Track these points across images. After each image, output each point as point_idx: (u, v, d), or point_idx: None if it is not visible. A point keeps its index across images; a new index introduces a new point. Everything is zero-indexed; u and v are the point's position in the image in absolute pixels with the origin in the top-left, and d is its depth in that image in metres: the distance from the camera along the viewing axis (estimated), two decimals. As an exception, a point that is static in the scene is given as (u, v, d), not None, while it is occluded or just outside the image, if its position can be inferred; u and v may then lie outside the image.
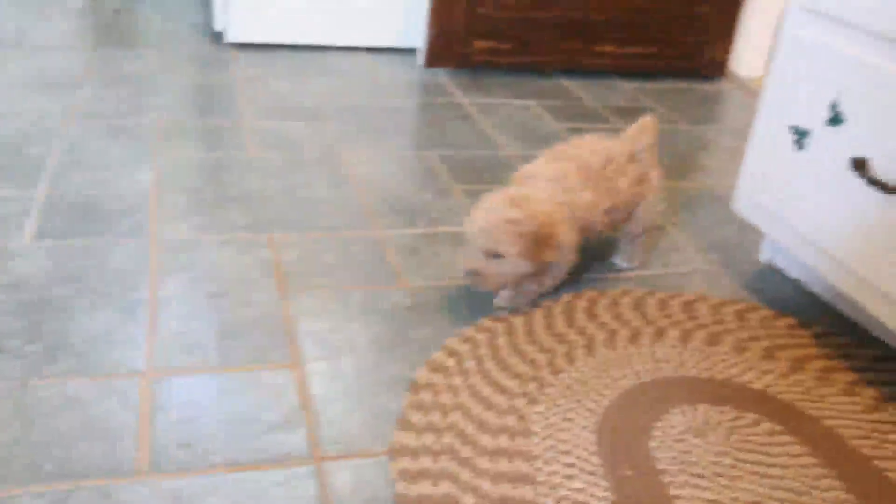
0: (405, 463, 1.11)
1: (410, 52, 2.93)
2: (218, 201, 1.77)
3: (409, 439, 1.16)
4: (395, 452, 1.14)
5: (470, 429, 1.19)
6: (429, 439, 1.16)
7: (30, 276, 1.44)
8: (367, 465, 1.12)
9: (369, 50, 2.93)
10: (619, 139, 1.58)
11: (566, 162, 1.48)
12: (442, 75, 2.77)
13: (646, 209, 1.60)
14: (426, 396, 1.25)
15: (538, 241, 1.36)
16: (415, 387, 1.27)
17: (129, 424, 1.14)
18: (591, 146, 1.52)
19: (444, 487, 1.08)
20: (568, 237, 1.44)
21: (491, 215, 1.37)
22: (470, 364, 1.33)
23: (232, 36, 2.82)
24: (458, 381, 1.29)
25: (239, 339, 1.34)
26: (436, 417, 1.21)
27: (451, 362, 1.33)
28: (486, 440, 1.17)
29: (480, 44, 2.76)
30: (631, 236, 1.63)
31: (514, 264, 1.38)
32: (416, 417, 1.20)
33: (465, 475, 1.10)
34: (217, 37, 2.90)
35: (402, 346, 1.37)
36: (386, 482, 1.09)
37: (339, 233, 1.69)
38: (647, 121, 1.59)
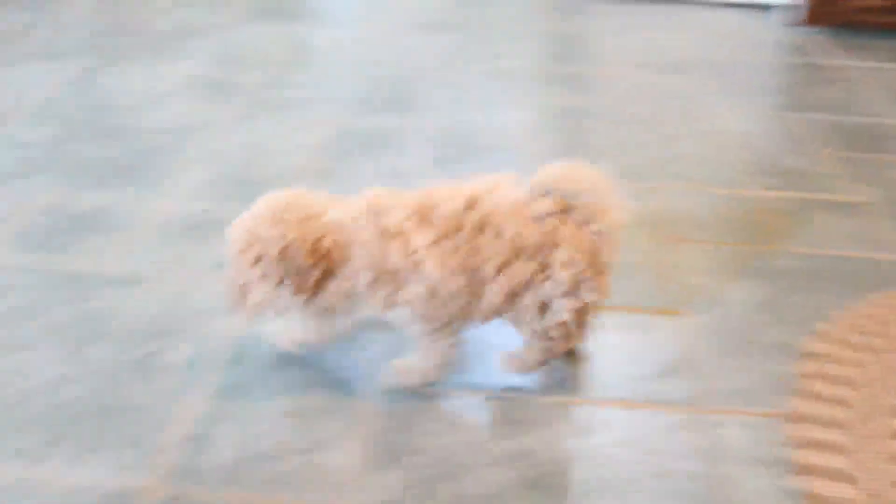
0: (803, 430, 1.09)
1: (769, 9, 2.77)
2: (583, 147, 1.82)
3: (807, 407, 1.13)
4: (793, 418, 1.11)
5: (868, 408, 1.13)
6: (827, 411, 1.12)
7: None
8: (757, 424, 1.11)
9: (728, 6, 2.81)
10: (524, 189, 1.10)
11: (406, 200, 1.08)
12: (807, 34, 2.59)
13: (544, 303, 1.08)
14: (825, 367, 1.20)
15: (291, 265, 1.04)
16: (810, 355, 1.22)
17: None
18: (456, 188, 1.08)
19: (839, 463, 1.04)
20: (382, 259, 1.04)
21: (248, 225, 1.06)
22: (877, 341, 1.26)
23: (588, -15, 2.84)
24: (867, 357, 1.22)
25: (624, 280, 1.37)
26: (839, 390, 1.16)
27: (855, 337, 1.26)
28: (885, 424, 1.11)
29: (856, 2, 2.55)
30: (536, 336, 1.12)
31: (273, 291, 1.06)
32: (816, 386, 1.16)
33: (863, 456, 1.05)
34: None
35: (786, 310, 1.32)
36: (777, 445, 1.07)
37: (706, 187, 1.67)
38: (560, 169, 1.09)
